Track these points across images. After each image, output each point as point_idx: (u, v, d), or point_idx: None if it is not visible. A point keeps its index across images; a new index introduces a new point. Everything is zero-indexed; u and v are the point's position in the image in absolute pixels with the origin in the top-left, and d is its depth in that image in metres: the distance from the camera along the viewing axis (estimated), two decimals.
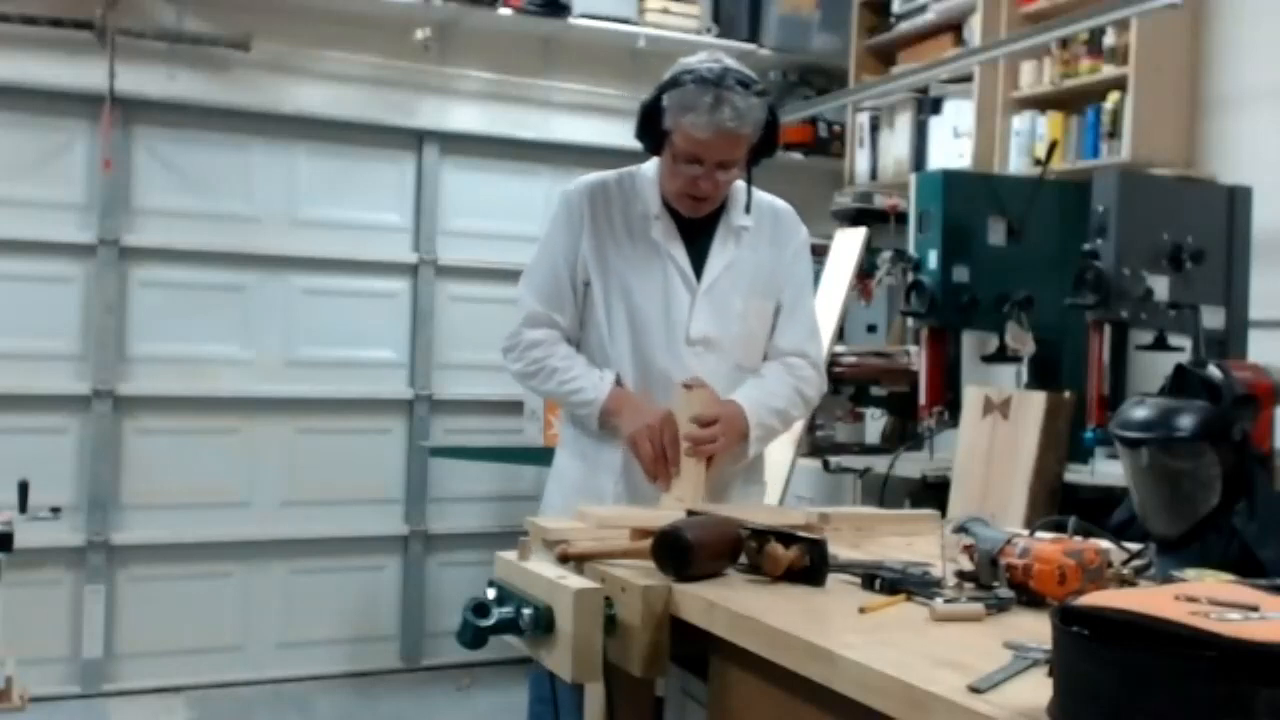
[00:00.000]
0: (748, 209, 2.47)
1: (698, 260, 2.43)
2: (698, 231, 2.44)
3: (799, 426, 3.84)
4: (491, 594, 1.69)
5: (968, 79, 4.56)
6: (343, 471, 4.87)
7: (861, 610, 1.46)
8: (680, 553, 1.62)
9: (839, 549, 1.77)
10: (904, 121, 4.98)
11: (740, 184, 2.45)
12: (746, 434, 2.37)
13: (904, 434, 4.00)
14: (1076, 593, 1.41)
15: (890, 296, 4.51)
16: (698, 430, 2.27)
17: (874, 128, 5.15)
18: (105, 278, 4.50)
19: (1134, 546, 1.70)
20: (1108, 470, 3.00)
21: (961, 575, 1.59)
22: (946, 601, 1.45)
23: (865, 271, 4.10)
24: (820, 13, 5.31)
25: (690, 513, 1.88)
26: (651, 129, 2.35)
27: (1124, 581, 1.57)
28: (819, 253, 4.54)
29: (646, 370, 2.38)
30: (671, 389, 2.34)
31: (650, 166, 2.48)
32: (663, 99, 2.30)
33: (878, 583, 1.58)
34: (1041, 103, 4.32)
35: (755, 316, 2.46)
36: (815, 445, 4.09)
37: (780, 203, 2.56)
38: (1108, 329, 3.16)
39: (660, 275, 2.40)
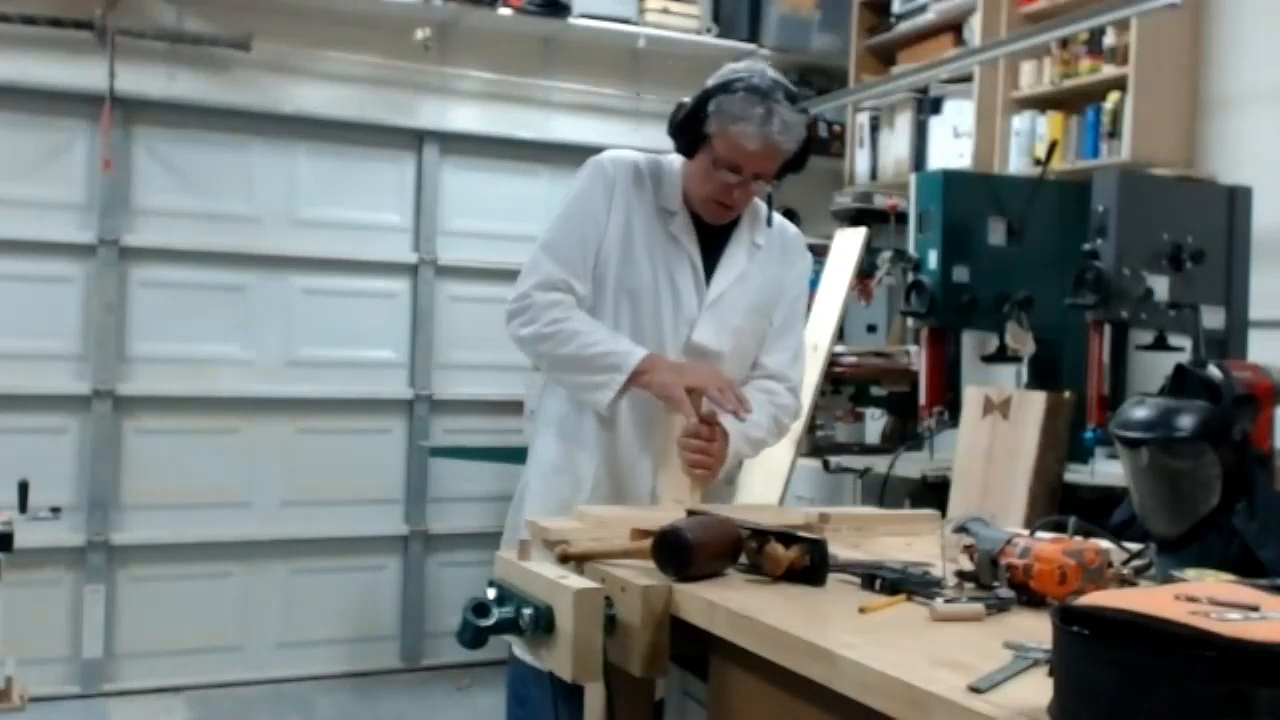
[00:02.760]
0: (769, 221, 2.45)
1: (708, 263, 2.40)
2: (711, 238, 2.41)
3: (799, 427, 3.85)
4: (491, 594, 1.69)
5: (968, 79, 4.56)
6: (343, 471, 4.87)
7: (861, 610, 1.46)
8: (680, 553, 1.62)
9: (839, 549, 1.76)
10: (904, 121, 4.98)
11: (758, 200, 2.44)
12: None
13: (904, 434, 3.99)
14: (1076, 593, 1.41)
15: (890, 296, 4.51)
16: (696, 442, 2.24)
17: (874, 128, 5.15)
18: (105, 278, 4.50)
19: (1134, 546, 1.70)
20: (1108, 470, 3.00)
21: (961, 575, 1.59)
22: (946, 601, 1.45)
23: (865, 271, 4.10)
24: (820, 13, 5.31)
25: (690, 512, 1.88)
26: (689, 130, 2.31)
27: (1124, 581, 1.57)
28: (819, 253, 4.55)
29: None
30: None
31: (676, 160, 2.42)
32: (709, 103, 2.26)
33: (878, 583, 1.57)
34: (1041, 103, 4.32)
35: (750, 333, 2.45)
36: (815, 445, 4.09)
37: (791, 227, 2.56)
38: (1108, 329, 3.15)
39: (670, 273, 2.37)
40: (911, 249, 3.64)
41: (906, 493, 3.48)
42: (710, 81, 2.31)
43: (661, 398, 2.26)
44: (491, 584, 1.72)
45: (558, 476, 2.37)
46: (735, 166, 2.27)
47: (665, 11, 5.07)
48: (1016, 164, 4.34)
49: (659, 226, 2.38)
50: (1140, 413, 1.78)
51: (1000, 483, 3.10)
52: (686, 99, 2.33)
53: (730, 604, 1.49)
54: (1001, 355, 3.45)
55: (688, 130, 2.31)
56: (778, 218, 2.50)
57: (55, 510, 3.68)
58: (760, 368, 2.47)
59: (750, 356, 2.47)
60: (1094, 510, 1.99)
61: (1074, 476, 3.12)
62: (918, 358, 3.72)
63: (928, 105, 4.86)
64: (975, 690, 1.10)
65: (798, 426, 3.82)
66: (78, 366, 4.51)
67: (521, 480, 2.54)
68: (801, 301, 2.55)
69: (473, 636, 1.63)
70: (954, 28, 4.81)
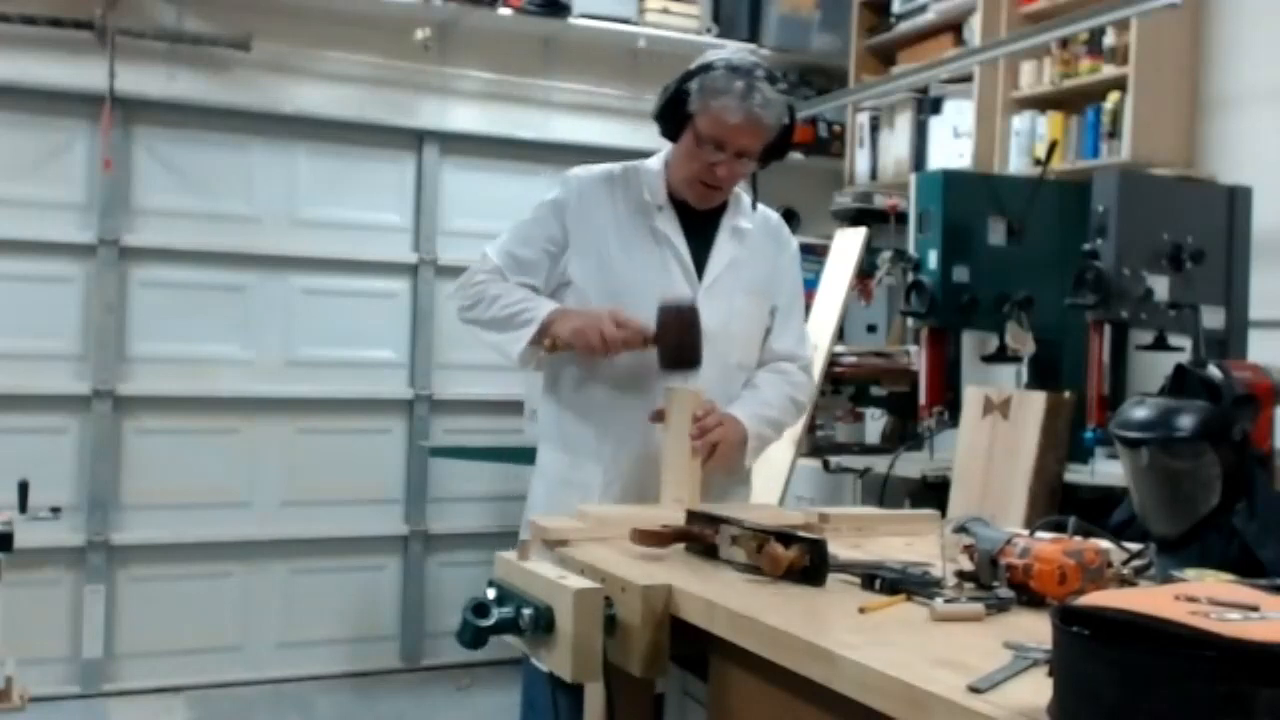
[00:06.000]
0: (754, 205, 2.49)
1: (698, 256, 2.42)
2: (699, 228, 2.44)
3: (799, 427, 3.85)
4: (491, 594, 1.69)
5: (968, 79, 4.56)
6: (343, 471, 4.87)
7: (861, 610, 1.46)
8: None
9: (839, 549, 1.77)
10: (904, 121, 4.98)
11: (740, 190, 2.47)
12: (744, 443, 2.37)
13: (904, 434, 4.00)
14: (1076, 593, 1.41)
15: (890, 296, 4.52)
16: (700, 424, 2.24)
17: (874, 128, 5.16)
18: (105, 278, 4.50)
19: (1134, 546, 1.70)
20: (1108, 470, 3.00)
21: (961, 575, 1.59)
22: (946, 601, 1.45)
23: (865, 271, 4.10)
24: (820, 13, 5.31)
25: (690, 513, 1.88)
26: (673, 112, 2.35)
27: (1124, 581, 1.57)
28: (819, 252, 4.56)
29: (644, 362, 2.34)
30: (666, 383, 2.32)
31: (654, 161, 2.48)
32: (691, 82, 2.31)
33: (878, 583, 1.57)
34: (1041, 103, 4.32)
35: (751, 316, 2.47)
36: (815, 445, 4.09)
37: (774, 214, 2.60)
38: (1108, 329, 3.15)
39: (660, 267, 2.39)
40: (911, 249, 3.64)
41: (906, 493, 3.48)
42: (692, 64, 2.35)
43: (575, 344, 2.28)
44: (491, 584, 1.72)
45: (564, 489, 2.38)
46: (719, 143, 2.31)
47: (665, 11, 5.08)
48: (1016, 164, 4.35)
49: (639, 224, 2.41)
50: (1140, 413, 1.78)
51: (1000, 483, 3.10)
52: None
53: (730, 604, 1.49)
54: (1001, 355, 3.45)
55: (671, 112, 2.36)
56: (760, 206, 2.53)
57: (55, 510, 3.68)
58: (770, 352, 2.51)
59: (757, 340, 2.49)
60: (1094, 510, 1.99)
61: (1074, 476, 3.12)
62: (918, 358, 3.73)
63: (928, 105, 4.86)
64: (975, 690, 1.10)
65: (798, 427, 3.84)
66: (78, 366, 4.51)
67: (531, 489, 2.55)
68: (800, 285, 2.60)
69: (473, 636, 1.63)
70: (954, 28, 4.81)
